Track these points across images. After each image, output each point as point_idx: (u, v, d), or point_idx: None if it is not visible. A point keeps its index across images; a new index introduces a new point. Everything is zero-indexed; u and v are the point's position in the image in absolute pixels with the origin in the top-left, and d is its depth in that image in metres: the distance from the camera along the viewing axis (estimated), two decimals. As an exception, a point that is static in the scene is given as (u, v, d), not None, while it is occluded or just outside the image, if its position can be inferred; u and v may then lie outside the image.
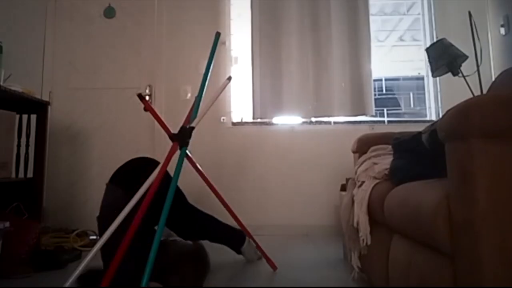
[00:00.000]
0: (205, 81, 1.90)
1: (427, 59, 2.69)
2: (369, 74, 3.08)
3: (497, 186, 0.79)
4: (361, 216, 1.53)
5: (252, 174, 3.10)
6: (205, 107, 1.84)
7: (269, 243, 2.21)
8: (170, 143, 1.83)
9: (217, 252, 2.44)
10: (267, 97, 3.09)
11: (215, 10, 3.25)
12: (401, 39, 3.54)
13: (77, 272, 1.34)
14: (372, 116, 3.13)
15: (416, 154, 1.30)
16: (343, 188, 2.35)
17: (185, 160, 1.78)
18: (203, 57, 3.11)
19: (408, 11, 3.48)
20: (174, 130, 1.86)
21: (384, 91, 3.48)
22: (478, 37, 2.59)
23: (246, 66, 3.23)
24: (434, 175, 1.13)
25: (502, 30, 2.98)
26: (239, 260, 2.16)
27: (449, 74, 2.56)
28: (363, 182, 1.63)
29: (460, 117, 0.83)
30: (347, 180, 1.98)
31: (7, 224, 1.84)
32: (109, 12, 3.25)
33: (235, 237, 2.08)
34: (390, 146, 1.57)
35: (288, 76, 3.08)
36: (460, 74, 2.51)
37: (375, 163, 1.61)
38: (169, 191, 1.53)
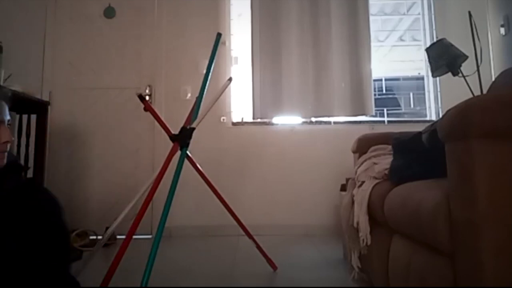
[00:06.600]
0: (206, 82, 1.89)
1: (427, 59, 2.69)
2: (369, 74, 3.08)
3: (497, 186, 0.79)
4: (361, 216, 1.53)
5: (252, 174, 3.10)
6: (206, 108, 1.84)
7: (269, 243, 2.21)
8: (170, 144, 1.83)
9: (217, 252, 2.45)
10: (267, 97, 3.08)
11: (215, 10, 3.25)
12: (401, 39, 3.54)
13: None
14: (372, 116, 3.13)
15: (416, 154, 1.30)
16: (343, 188, 2.35)
17: (185, 160, 1.78)
18: (203, 57, 3.15)
19: (408, 11, 3.48)
20: (174, 130, 1.86)
21: (384, 91, 3.48)
22: (478, 37, 2.58)
23: (246, 66, 3.23)
24: (434, 175, 1.13)
25: (502, 30, 2.98)
26: (239, 260, 2.16)
27: (449, 74, 2.56)
28: (363, 182, 1.63)
29: (460, 117, 0.83)
30: (347, 180, 1.98)
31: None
32: (109, 12, 3.25)
33: None
34: (390, 146, 1.57)
35: (288, 76, 3.08)
36: (460, 74, 2.51)
37: (375, 163, 1.61)
38: (169, 192, 1.51)
